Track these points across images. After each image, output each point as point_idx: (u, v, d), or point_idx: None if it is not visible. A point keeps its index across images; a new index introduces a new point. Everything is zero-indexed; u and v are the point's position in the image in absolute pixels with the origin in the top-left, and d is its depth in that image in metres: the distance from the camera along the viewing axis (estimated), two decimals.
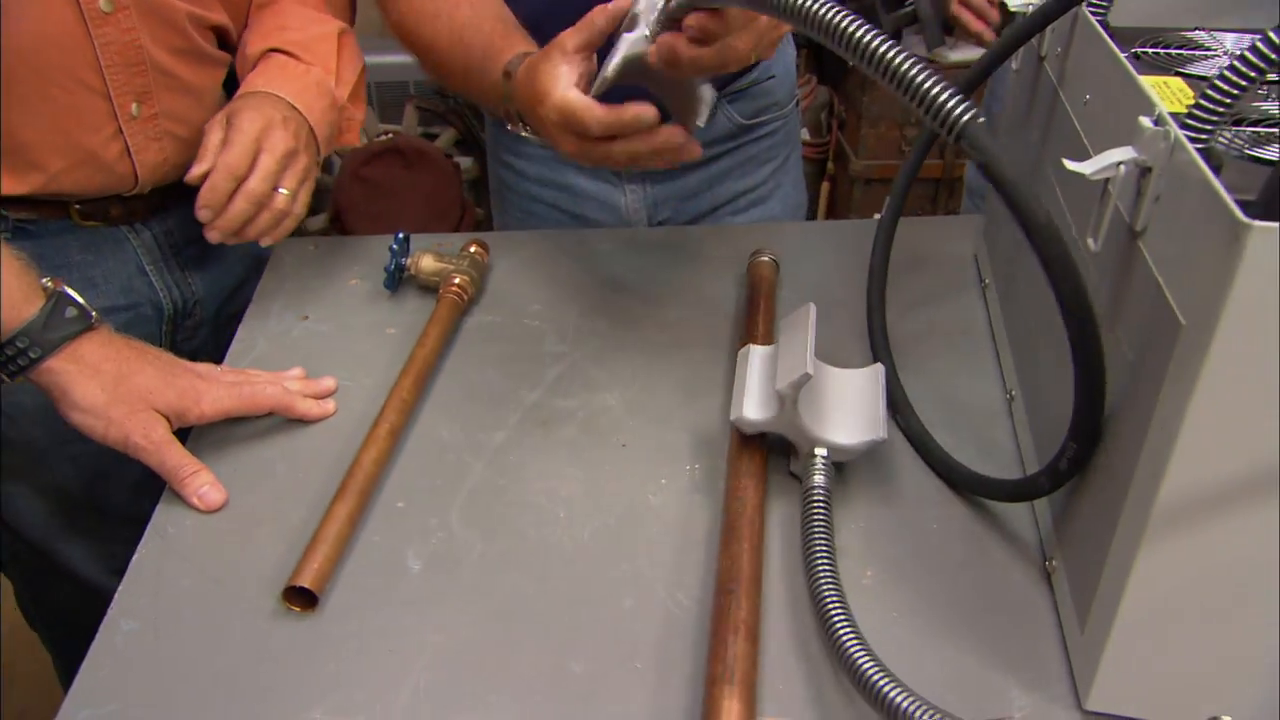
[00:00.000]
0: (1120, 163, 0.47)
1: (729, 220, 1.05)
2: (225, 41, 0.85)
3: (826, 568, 0.54)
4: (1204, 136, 0.45)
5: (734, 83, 0.98)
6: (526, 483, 0.67)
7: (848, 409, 0.64)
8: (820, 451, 0.61)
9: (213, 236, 0.75)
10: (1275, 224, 0.36)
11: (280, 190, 0.76)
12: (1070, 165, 0.49)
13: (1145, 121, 0.46)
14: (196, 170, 0.74)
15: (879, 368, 0.67)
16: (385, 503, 0.65)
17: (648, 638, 0.56)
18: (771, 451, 0.66)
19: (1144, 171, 0.47)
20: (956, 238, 0.91)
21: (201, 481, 0.64)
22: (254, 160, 0.74)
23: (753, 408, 0.62)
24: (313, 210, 2.08)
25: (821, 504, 0.58)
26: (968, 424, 0.70)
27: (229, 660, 0.55)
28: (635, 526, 0.63)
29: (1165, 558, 0.45)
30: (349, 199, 2.03)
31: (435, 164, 2.12)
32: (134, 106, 0.76)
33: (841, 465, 0.65)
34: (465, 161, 2.24)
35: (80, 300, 0.65)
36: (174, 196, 0.85)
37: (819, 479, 0.60)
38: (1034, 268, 0.57)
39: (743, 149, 1.02)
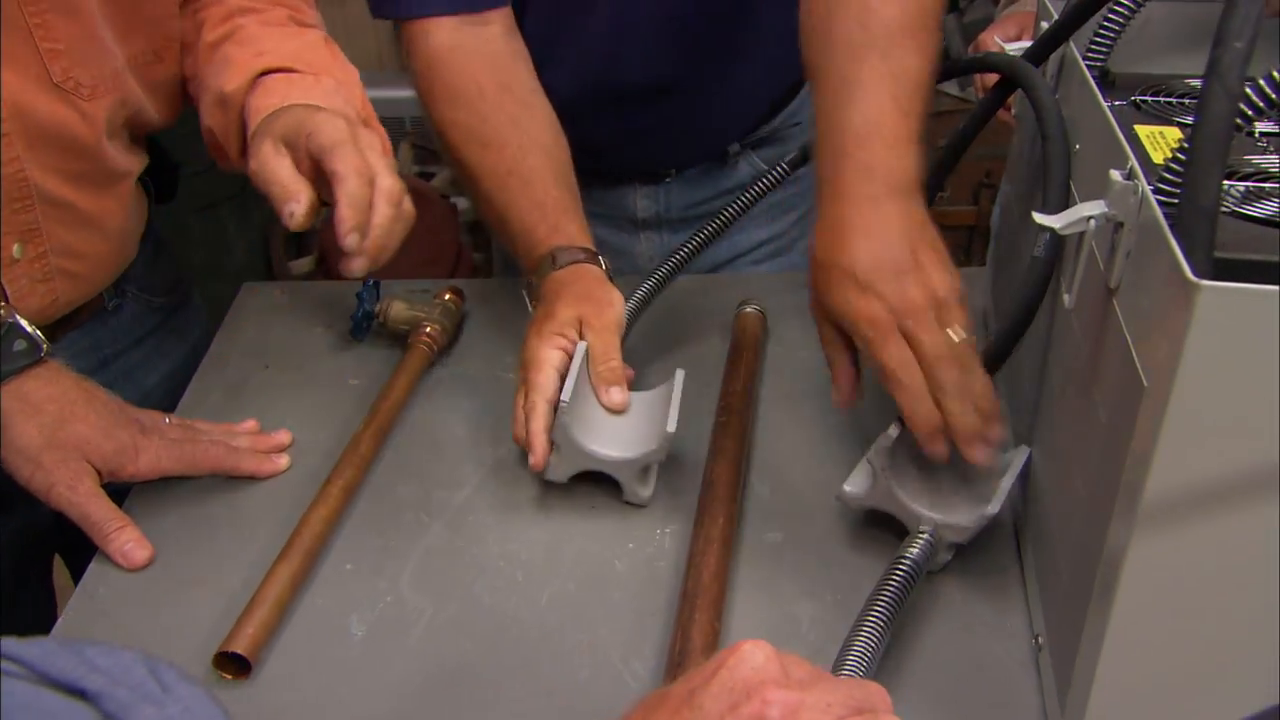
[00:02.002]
0: (1090, 217, 0.50)
1: (749, 270, 1.07)
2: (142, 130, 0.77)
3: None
4: (1177, 192, 0.47)
5: (757, 130, 1.02)
6: (485, 545, 0.68)
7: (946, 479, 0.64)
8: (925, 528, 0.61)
9: (360, 265, 0.66)
10: (1225, 284, 0.38)
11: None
12: (1039, 218, 0.52)
13: (1116, 175, 0.49)
14: (300, 208, 0.65)
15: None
16: (333, 564, 0.67)
17: (602, 711, 0.57)
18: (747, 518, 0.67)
19: (1117, 226, 0.49)
20: (973, 290, 0.93)
21: (126, 538, 0.66)
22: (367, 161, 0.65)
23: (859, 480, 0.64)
24: (298, 252, 2.13)
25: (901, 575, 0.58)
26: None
27: None
28: (596, 593, 0.65)
29: (1137, 628, 0.46)
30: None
31: (431, 205, 2.17)
32: (15, 248, 0.68)
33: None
34: (462, 203, 2.30)
35: (30, 330, 0.65)
36: (63, 326, 0.77)
37: (914, 552, 0.60)
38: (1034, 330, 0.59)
39: (765, 196, 1.05)
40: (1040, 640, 0.59)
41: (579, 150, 0.83)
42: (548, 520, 0.70)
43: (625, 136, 0.96)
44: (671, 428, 0.66)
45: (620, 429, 0.70)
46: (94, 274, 0.77)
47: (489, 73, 0.81)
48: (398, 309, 0.87)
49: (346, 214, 0.64)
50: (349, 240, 0.65)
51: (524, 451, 0.69)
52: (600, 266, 0.76)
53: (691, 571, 0.61)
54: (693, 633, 0.56)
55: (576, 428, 0.67)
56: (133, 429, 0.69)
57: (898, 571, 0.58)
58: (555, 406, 0.67)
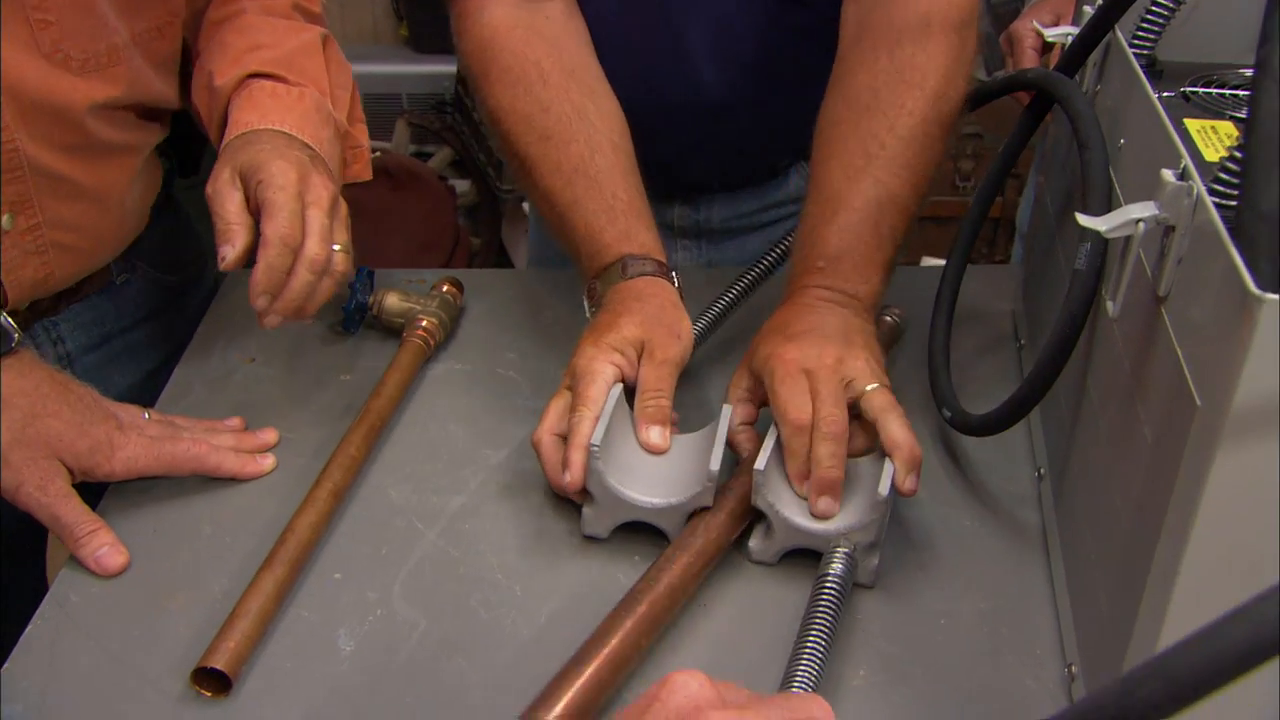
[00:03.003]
0: (1139, 220, 0.48)
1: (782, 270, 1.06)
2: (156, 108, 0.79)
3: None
4: (1235, 192, 0.46)
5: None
6: (482, 555, 0.68)
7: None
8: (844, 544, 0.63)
9: (272, 322, 0.70)
10: None
11: (334, 247, 0.71)
12: (1084, 220, 0.50)
13: (1168, 175, 0.47)
14: (232, 254, 0.68)
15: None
16: (320, 573, 0.66)
17: None
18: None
19: (1167, 230, 0.48)
20: (997, 290, 0.92)
21: (99, 542, 0.65)
22: (304, 222, 0.69)
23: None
24: None
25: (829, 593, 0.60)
26: (993, 505, 0.71)
27: None
28: (599, 609, 0.63)
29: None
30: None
31: (428, 187, 2.16)
32: (5, 219, 0.69)
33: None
34: (462, 185, 2.29)
35: (3, 318, 0.65)
36: (66, 298, 0.79)
37: (837, 567, 0.61)
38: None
39: None
40: (1074, 669, 0.57)
41: None
42: (549, 529, 0.69)
43: (673, 153, 0.94)
44: (715, 466, 0.63)
45: (660, 472, 0.67)
46: (93, 248, 0.77)
47: (551, 56, 0.79)
48: (392, 301, 0.86)
49: (260, 279, 0.68)
50: (258, 302, 0.69)
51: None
52: (673, 284, 0.75)
53: (648, 574, 0.61)
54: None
55: (612, 473, 0.65)
56: (109, 425, 0.68)
57: (825, 587, 0.60)
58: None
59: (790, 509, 0.64)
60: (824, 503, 0.63)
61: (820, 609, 0.58)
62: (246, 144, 0.73)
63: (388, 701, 0.58)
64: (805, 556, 0.65)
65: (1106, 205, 0.58)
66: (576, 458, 0.65)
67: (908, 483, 0.63)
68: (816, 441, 0.63)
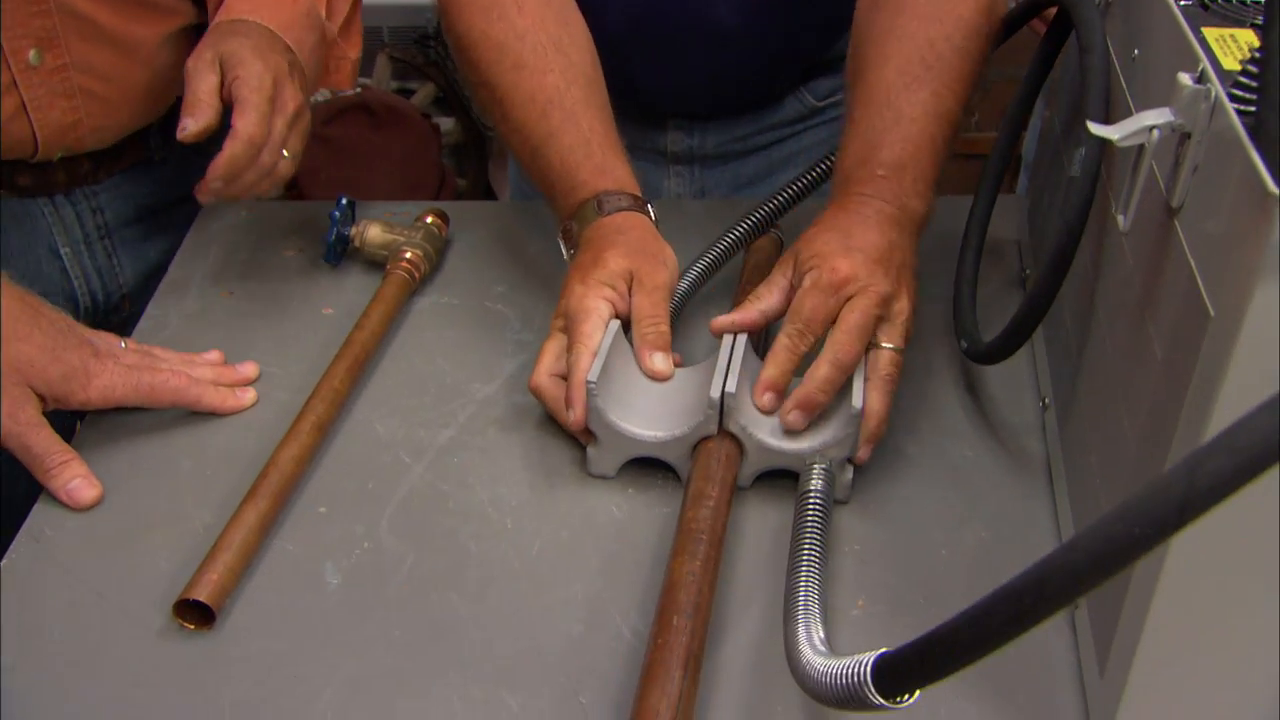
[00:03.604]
0: (1153, 126, 0.47)
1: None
2: None
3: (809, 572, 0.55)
4: (1255, 98, 0.45)
5: (820, 56, 0.98)
6: (472, 488, 0.67)
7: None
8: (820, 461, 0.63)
9: (204, 198, 0.75)
10: None
11: (284, 154, 0.76)
12: (1095, 129, 0.50)
13: (1185, 79, 0.46)
14: (194, 127, 0.72)
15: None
16: (305, 507, 0.66)
17: (596, 669, 0.56)
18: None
19: (1183, 138, 0.47)
20: (1003, 221, 0.91)
21: (72, 474, 0.65)
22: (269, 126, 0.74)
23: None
24: None
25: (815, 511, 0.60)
26: (997, 433, 0.71)
27: (107, 687, 0.56)
28: (592, 541, 0.64)
29: (1189, 582, 0.45)
30: (307, 163, 2.04)
31: (410, 124, 2.13)
32: (32, 54, 0.74)
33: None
34: (446, 123, 2.26)
35: None
36: (106, 166, 0.84)
37: (817, 484, 0.61)
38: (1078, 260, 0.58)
39: (811, 132, 1.02)
40: (1077, 600, 0.58)
41: (615, 88, 0.80)
42: (540, 462, 0.69)
43: (674, 80, 0.93)
44: (716, 393, 0.63)
45: (661, 406, 0.67)
46: (121, 100, 0.80)
47: None
48: (375, 232, 0.85)
49: (221, 167, 0.73)
50: (213, 185, 0.73)
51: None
52: (650, 217, 0.75)
53: (690, 512, 0.60)
54: (689, 582, 0.55)
55: (612, 410, 0.65)
56: (84, 351, 0.67)
57: (810, 504, 0.60)
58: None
59: (764, 431, 0.64)
60: (795, 416, 0.63)
61: (808, 525, 0.59)
62: (234, 32, 0.76)
63: (376, 634, 0.58)
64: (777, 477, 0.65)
65: (1105, 109, 0.58)
66: (577, 395, 0.65)
67: (861, 452, 0.64)
68: (822, 361, 0.63)
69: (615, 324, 0.68)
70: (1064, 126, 0.78)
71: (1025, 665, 0.56)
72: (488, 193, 2.31)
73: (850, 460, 0.64)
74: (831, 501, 0.62)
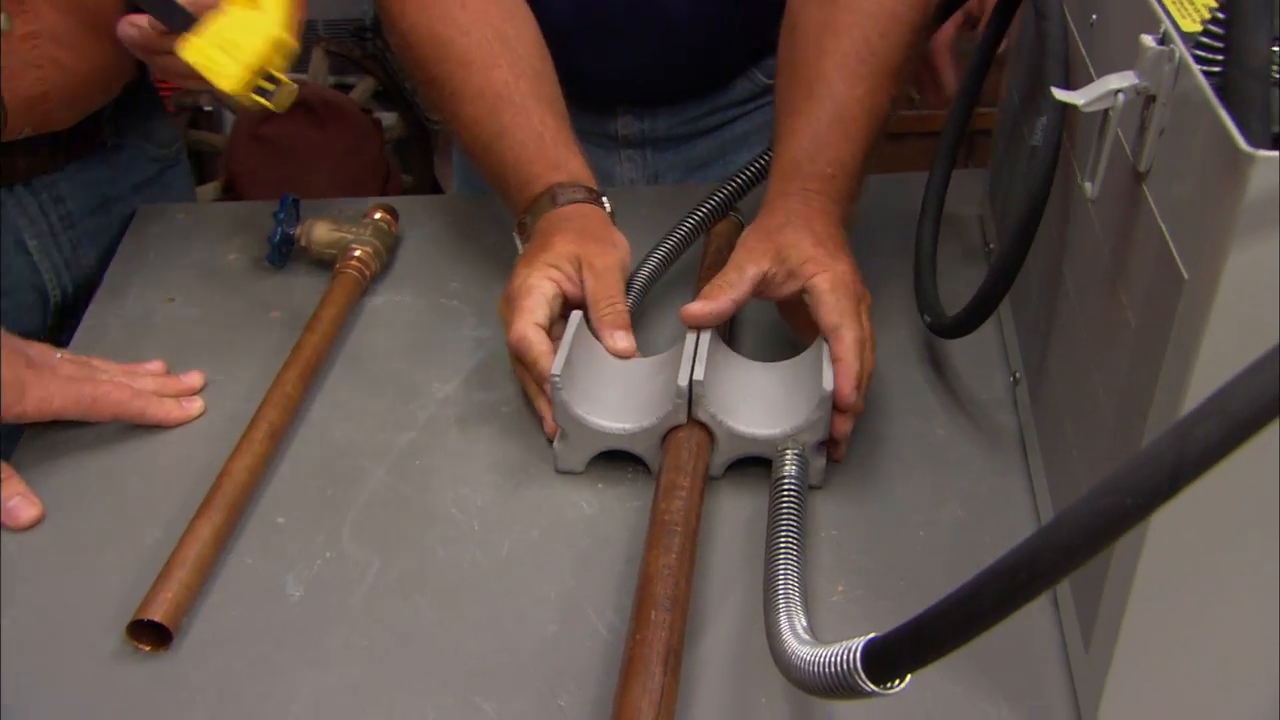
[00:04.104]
0: (1118, 90, 0.48)
1: None
2: None
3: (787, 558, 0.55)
4: (1219, 58, 0.45)
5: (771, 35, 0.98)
6: (436, 491, 0.66)
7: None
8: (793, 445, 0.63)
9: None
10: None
11: None
12: (1060, 94, 0.50)
13: (1147, 40, 0.47)
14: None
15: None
16: (262, 517, 0.65)
17: (573, 670, 0.55)
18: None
19: (1148, 100, 0.47)
20: (964, 196, 0.92)
21: (10, 491, 0.63)
22: None
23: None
24: (201, 178, 2.06)
25: (791, 497, 0.60)
26: (968, 409, 0.71)
27: (59, 714, 0.54)
28: (563, 539, 0.63)
29: (1173, 552, 0.45)
30: (244, 163, 2.01)
31: (350, 120, 2.10)
32: (4, 19, 0.73)
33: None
34: (388, 118, 2.23)
35: None
36: (64, 151, 0.83)
37: (791, 469, 0.61)
38: (1043, 230, 0.58)
39: (763, 111, 1.02)
40: None
41: (563, 76, 0.80)
42: (505, 460, 0.68)
43: (625, 65, 0.94)
44: (684, 381, 0.62)
45: (627, 397, 0.66)
46: (89, 72, 0.79)
47: None
48: (321, 230, 0.83)
49: None
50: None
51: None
52: (604, 209, 0.75)
53: (663, 504, 0.60)
54: (666, 575, 0.55)
55: (578, 403, 0.64)
56: (16, 362, 0.66)
57: (785, 490, 0.60)
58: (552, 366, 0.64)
59: (734, 418, 0.64)
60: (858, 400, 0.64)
61: (784, 512, 0.58)
62: None
63: (342, 646, 0.57)
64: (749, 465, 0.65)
65: (1065, 75, 0.58)
66: (540, 356, 0.65)
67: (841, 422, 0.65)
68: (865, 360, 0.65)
69: (577, 315, 0.68)
70: (1022, 97, 0.79)
71: (1009, 643, 0.56)
72: (435, 187, 2.28)
73: (821, 444, 0.64)
74: (806, 487, 0.62)
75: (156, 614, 0.56)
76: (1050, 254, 0.65)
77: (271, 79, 0.69)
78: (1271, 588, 0.45)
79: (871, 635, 0.39)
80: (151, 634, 0.56)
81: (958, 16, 0.94)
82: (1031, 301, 0.69)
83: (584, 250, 0.70)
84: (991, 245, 0.86)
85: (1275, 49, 0.45)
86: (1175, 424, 0.30)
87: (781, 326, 0.75)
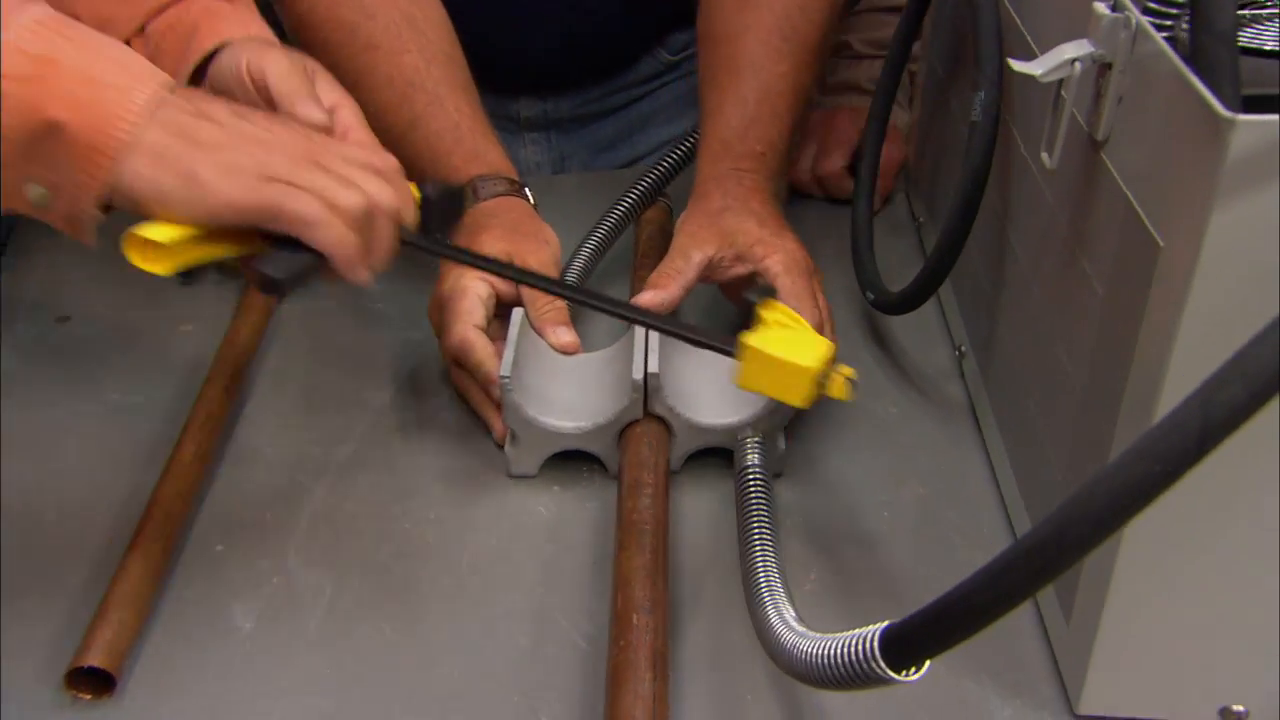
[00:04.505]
0: (1074, 59, 0.48)
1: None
2: None
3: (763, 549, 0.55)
4: (1169, 23, 0.46)
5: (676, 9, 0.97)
6: (383, 506, 0.64)
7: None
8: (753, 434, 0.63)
9: None
10: (1263, 117, 0.38)
11: None
12: (1016, 66, 0.50)
13: (1101, 8, 0.47)
14: None
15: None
16: (199, 547, 0.62)
17: (552, 683, 0.54)
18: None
19: (1103, 69, 0.48)
20: None
21: None
22: None
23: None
24: None
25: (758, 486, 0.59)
26: (916, 384, 0.72)
27: None
28: (525, 547, 0.61)
29: (1157, 520, 0.46)
30: None
31: None
32: None
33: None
34: None
35: None
36: None
37: (754, 458, 0.61)
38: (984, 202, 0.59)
39: (669, 88, 1.02)
40: None
41: (468, 57, 0.78)
42: (454, 468, 0.66)
43: (527, 46, 0.92)
44: (639, 374, 0.61)
45: (581, 393, 0.65)
46: None
47: None
48: None
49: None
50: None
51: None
52: (528, 200, 0.74)
53: (629, 502, 0.59)
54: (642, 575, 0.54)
55: (529, 404, 0.63)
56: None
57: (751, 479, 0.60)
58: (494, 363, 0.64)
59: (692, 409, 0.63)
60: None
61: (754, 502, 0.58)
62: (271, 48, 0.63)
63: (302, 677, 0.55)
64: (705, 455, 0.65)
65: (999, 46, 0.59)
66: (483, 358, 0.65)
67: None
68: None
69: (519, 313, 0.67)
70: (946, 70, 0.80)
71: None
72: None
73: (779, 430, 0.63)
74: (771, 475, 0.61)
75: (95, 659, 0.52)
76: (993, 225, 0.66)
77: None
78: (1258, 552, 0.46)
79: (888, 621, 0.39)
80: (92, 681, 0.53)
81: (848, 154, 0.92)
82: (976, 273, 0.71)
83: (515, 248, 0.69)
84: (920, 219, 0.87)
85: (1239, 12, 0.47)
86: (1197, 389, 0.31)
87: (724, 307, 0.75)
